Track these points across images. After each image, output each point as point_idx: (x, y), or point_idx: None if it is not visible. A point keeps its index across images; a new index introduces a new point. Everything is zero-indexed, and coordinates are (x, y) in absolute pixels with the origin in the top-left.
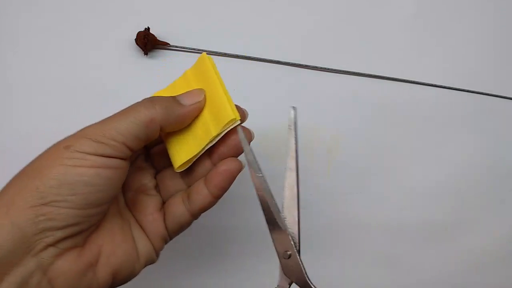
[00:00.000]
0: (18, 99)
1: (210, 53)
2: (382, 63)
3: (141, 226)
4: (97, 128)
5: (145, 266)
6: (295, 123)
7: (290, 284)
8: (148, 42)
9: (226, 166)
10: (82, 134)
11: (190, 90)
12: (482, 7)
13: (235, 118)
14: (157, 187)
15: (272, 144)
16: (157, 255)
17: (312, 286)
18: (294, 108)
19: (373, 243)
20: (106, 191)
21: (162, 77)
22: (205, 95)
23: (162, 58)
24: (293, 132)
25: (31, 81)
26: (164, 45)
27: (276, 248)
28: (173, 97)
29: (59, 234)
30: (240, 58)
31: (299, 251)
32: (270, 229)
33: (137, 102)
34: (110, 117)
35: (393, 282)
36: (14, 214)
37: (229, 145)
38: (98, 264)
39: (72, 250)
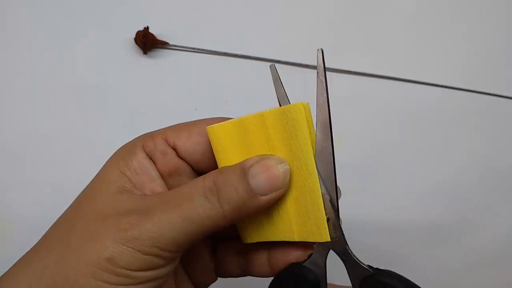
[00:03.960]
0: (18, 99)
1: (209, 52)
2: (382, 63)
3: (188, 274)
4: (145, 234)
5: None
6: (324, 68)
7: (327, 252)
8: (147, 42)
9: (297, 254)
10: (128, 238)
11: (270, 167)
12: (482, 7)
13: (328, 240)
14: None
15: None
16: None
17: (351, 254)
18: (320, 50)
19: (373, 243)
20: None
21: (161, 76)
22: (289, 178)
23: (162, 58)
24: (322, 79)
25: (30, 81)
26: (163, 45)
27: None
28: (245, 180)
29: None
30: (240, 58)
31: (337, 212)
32: None
33: (198, 190)
34: (163, 210)
35: None
36: None
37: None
38: None
39: None
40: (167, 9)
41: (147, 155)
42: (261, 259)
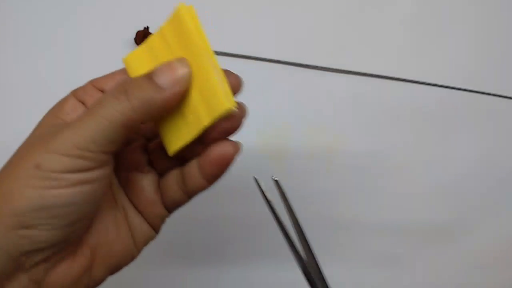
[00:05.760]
0: (18, 99)
1: None
2: (382, 63)
3: (137, 209)
4: (66, 139)
5: (144, 246)
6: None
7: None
8: None
9: (219, 151)
10: (50, 148)
11: (170, 64)
12: (482, 7)
13: (231, 108)
14: (150, 161)
15: (272, 143)
16: (157, 231)
17: None
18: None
19: (373, 243)
20: (90, 205)
21: None
22: (190, 69)
23: None
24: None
25: (30, 81)
26: None
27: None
28: (150, 79)
29: (47, 252)
30: (240, 58)
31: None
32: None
33: (108, 93)
34: (79, 120)
35: (393, 282)
36: None
37: (221, 131)
38: (93, 266)
39: (65, 260)
40: (167, 9)
41: (78, 100)
42: (192, 171)
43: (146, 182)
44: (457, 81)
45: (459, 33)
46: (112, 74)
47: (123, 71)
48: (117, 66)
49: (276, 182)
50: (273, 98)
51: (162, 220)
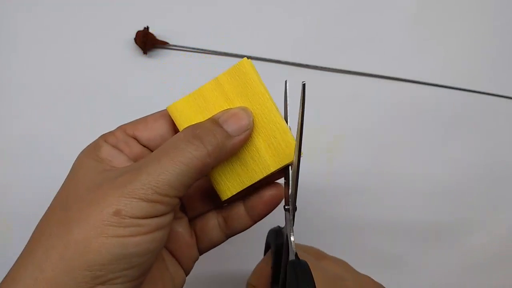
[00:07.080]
0: (18, 99)
1: (209, 52)
2: (383, 62)
3: (171, 253)
4: (144, 184)
5: None
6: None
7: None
8: (147, 42)
9: (270, 193)
10: (130, 192)
11: (236, 113)
12: (482, 7)
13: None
14: (181, 205)
15: None
16: (187, 274)
17: (291, 243)
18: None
19: (373, 243)
20: (158, 252)
21: (161, 76)
22: (253, 119)
23: (162, 58)
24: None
25: (30, 81)
26: (163, 45)
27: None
28: (220, 127)
29: None
30: (240, 58)
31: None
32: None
33: (181, 138)
34: (155, 161)
35: (393, 282)
36: None
37: (277, 175)
38: None
39: None
40: (167, 9)
41: (112, 146)
42: (239, 212)
43: (181, 227)
44: (457, 81)
45: (459, 33)
46: (144, 120)
47: (155, 117)
48: (117, 65)
49: (304, 86)
50: (273, 98)
51: (194, 262)
